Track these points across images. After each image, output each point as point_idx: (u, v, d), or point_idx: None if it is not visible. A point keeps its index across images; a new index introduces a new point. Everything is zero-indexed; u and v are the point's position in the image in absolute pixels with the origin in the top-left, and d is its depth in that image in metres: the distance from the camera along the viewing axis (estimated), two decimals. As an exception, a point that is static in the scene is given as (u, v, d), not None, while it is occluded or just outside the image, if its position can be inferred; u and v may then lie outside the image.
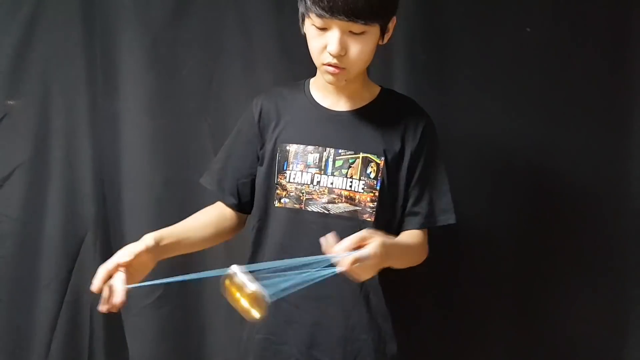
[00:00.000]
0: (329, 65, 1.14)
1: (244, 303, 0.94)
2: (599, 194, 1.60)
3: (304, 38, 1.19)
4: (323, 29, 1.11)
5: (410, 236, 1.23)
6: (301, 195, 1.20)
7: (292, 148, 1.22)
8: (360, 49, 1.12)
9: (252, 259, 1.27)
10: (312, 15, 1.10)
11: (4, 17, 1.59)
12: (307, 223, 1.19)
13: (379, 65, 1.58)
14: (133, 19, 1.60)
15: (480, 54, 1.59)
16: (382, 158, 1.20)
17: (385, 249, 1.03)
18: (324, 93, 1.25)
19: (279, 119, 1.24)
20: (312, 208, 1.19)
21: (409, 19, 1.56)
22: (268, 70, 1.62)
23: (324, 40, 1.12)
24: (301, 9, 1.15)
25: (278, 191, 1.22)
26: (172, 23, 1.61)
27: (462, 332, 1.64)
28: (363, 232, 1.03)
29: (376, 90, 1.28)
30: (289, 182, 1.21)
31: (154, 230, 1.60)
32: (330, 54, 1.12)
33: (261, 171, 1.25)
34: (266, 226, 1.24)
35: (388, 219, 1.23)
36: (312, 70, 1.25)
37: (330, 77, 1.16)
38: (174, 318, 1.66)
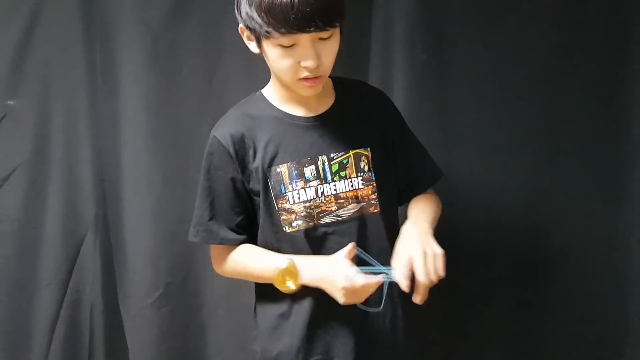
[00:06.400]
0: (307, 79, 1.11)
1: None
2: (599, 194, 1.61)
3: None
4: (290, 46, 1.06)
5: (425, 199, 1.26)
6: (312, 211, 1.17)
7: (284, 169, 1.16)
8: (332, 52, 1.10)
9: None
10: (276, 35, 1.04)
11: (4, 16, 1.58)
12: (325, 234, 1.18)
13: (379, 65, 1.59)
14: (133, 19, 1.60)
15: (480, 54, 1.59)
16: (369, 148, 1.20)
17: (430, 230, 1.13)
18: (291, 103, 1.20)
19: (255, 144, 1.17)
20: (326, 219, 1.17)
21: (409, 19, 1.56)
22: (268, 70, 1.60)
23: (294, 56, 1.07)
24: (252, 30, 1.08)
25: (284, 217, 1.17)
26: (172, 23, 1.60)
27: (462, 333, 1.64)
28: (399, 253, 1.08)
29: (329, 82, 1.24)
30: (294, 203, 1.16)
31: (153, 230, 1.63)
32: (308, 69, 1.08)
33: (259, 202, 1.19)
34: (281, 252, 1.19)
35: (389, 203, 1.24)
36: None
37: (308, 90, 1.13)
38: (174, 318, 1.66)
